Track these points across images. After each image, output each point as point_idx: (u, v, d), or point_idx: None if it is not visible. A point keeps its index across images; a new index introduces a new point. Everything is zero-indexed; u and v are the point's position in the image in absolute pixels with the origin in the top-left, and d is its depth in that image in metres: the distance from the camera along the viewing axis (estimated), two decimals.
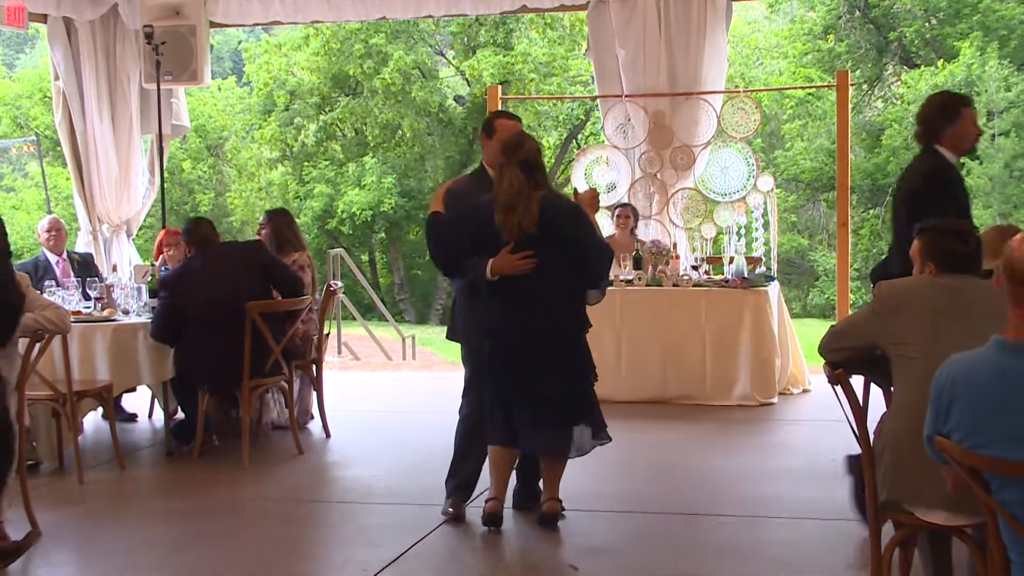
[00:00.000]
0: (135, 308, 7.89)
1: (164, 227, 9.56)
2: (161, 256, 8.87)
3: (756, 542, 5.62)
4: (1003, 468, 3.08)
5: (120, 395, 8.15)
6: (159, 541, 5.77)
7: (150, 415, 8.93)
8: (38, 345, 5.74)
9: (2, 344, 5.21)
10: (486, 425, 5.74)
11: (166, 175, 11.84)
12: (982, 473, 3.15)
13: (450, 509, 5.98)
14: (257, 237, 8.34)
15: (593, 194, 5.95)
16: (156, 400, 8.48)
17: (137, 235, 12.09)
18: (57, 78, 11.36)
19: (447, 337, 6.29)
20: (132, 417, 8.85)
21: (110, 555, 5.55)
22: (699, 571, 5.23)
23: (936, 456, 3.28)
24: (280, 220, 8.38)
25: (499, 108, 10.84)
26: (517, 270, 5.47)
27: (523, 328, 5.53)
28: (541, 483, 5.97)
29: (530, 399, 5.55)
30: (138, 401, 8.94)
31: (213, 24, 11.29)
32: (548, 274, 5.47)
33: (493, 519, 5.70)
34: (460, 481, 6.05)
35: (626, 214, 9.93)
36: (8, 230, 5.24)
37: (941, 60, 28.65)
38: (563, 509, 5.79)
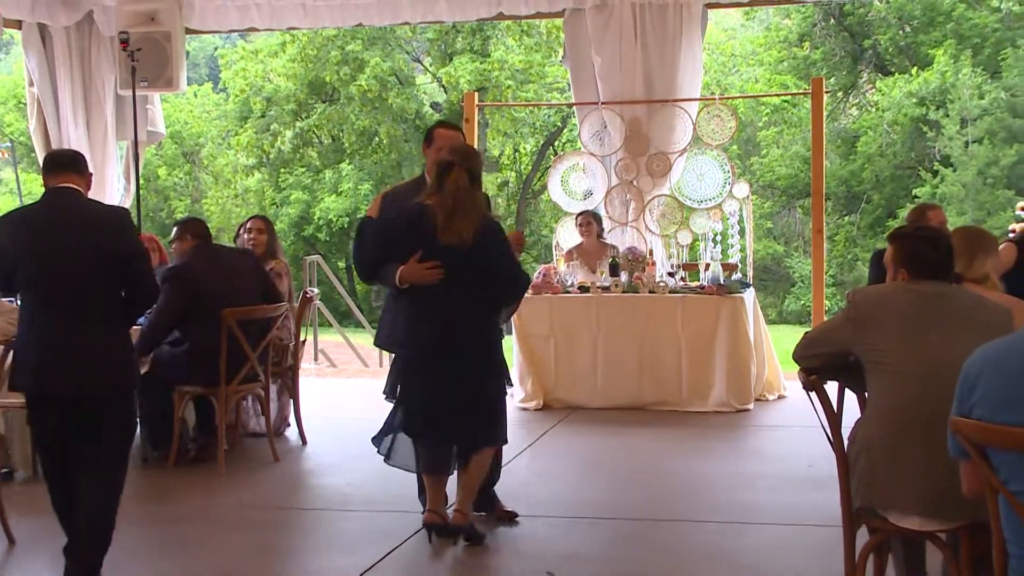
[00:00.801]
0: None
1: (139, 234, 9.50)
2: None
3: (732, 548, 5.63)
4: (1008, 437, 3.04)
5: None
6: (134, 548, 5.73)
7: None
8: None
9: None
10: (413, 453, 5.72)
11: (142, 182, 11.79)
12: (992, 463, 3.14)
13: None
14: (248, 245, 8.27)
15: (519, 236, 6.00)
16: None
17: None
18: (32, 84, 11.31)
19: (375, 343, 6.32)
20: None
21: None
22: None
23: (956, 450, 3.26)
24: (273, 228, 8.44)
25: (476, 115, 10.86)
26: (425, 280, 5.47)
27: (438, 337, 5.52)
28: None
29: (451, 410, 5.53)
30: None
31: (189, 30, 11.26)
32: (465, 286, 5.47)
33: (430, 529, 5.62)
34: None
35: (587, 220, 9.93)
36: None
37: (915, 68, 28.81)
38: (469, 525, 5.64)
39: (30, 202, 5.41)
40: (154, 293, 5.28)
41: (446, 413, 5.54)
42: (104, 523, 4.92)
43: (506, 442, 5.87)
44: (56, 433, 4.95)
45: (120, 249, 4.91)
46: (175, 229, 7.72)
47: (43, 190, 5.09)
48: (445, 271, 5.45)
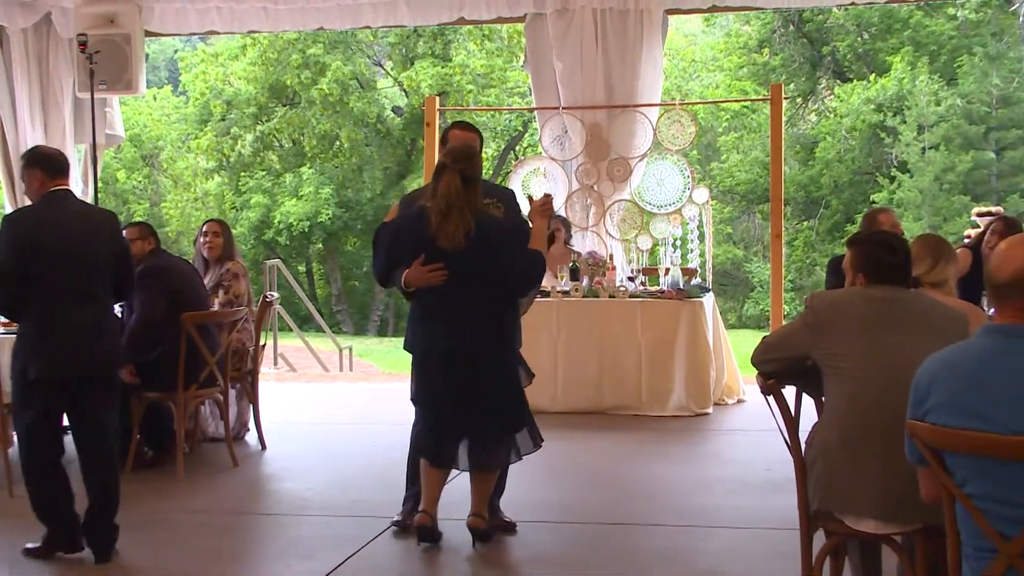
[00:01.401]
0: None
1: None
2: None
3: (690, 551, 5.66)
4: (963, 441, 3.07)
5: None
6: (88, 554, 5.69)
7: None
8: None
9: None
10: (419, 441, 5.75)
11: (100, 185, 11.71)
12: (947, 467, 3.17)
13: (397, 518, 5.97)
14: (204, 248, 8.24)
15: (546, 201, 5.77)
16: None
17: None
18: None
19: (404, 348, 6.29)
20: (65, 429, 8.71)
21: (41, 568, 5.47)
22: None
23: (914, 456, 3.29)
24: (230, 230, 8.42)
25: (436, 119, 10.86)
26: (428, 283, 5.47)
27: (447, 340, 5.51)
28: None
29: (464, 411, 5.54)
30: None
31: (148, 33, 11.19)
32: (469, 286, 5.45)
33: (422, 532, 5.62)
34: (417, 491, 5.99)
35: (556, 227, 9.95)
36: None
37: (873, 74, 29.07)
38: (486, 527, 5.65)
39: (48, 201, 5.63)
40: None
41: (458, 413, 5.54)
42: (116, 487, 5.61)
43: (519, 458, 5.78)
44: (57, 416, 5.61)
45: (119, 247, 5.69)
46: (133, 229, 7.63)
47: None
48: (448, 273, 5.44)
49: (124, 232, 7.54)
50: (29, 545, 5.54)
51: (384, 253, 5.68)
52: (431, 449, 5.64)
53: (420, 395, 5.70)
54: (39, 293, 5.39)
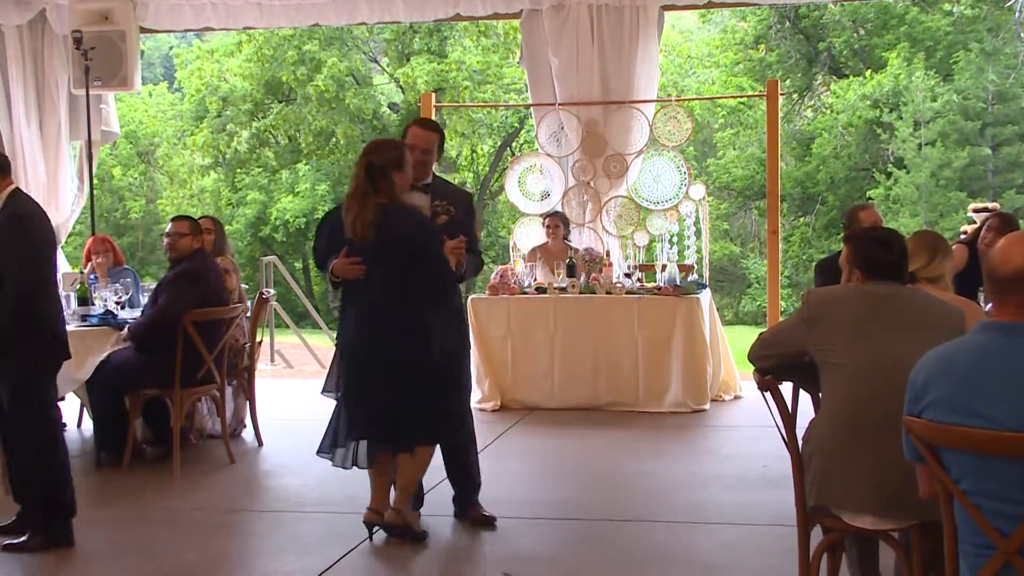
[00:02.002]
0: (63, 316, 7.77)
1: (93, 234, 9.43)
2: (90, 264, 8.76)
3: (688, 547, 5.66)
4: (960, 437, 3.07)
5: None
6: (87, 550, 5.69)
7: (79, 424, 8.82)
8: None
9: None
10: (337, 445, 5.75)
11: (96, 182, 11.69)
12: (944, 463, 3.17)
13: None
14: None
15: (457, 245, 5.67)
16: (85, 409, 8.37)
17: (66, 243, 11.93)
18: None
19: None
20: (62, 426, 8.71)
21: (37, 565, 5.47)
22: None
23: (912, 453, 3.28)
24: (222, 227, 8.43)
25: (432, 115, 10.85)
26: (348, 274, 5.52)
27: (361, 333, 5.56)
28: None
29: (381, 400, 5.54)
30: (67, 410, 8.80)
31: (143, 29, 11.17)
32: (383, 279, 5.48)
33: (368, 527, 5.67)
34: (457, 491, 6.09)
35: (555, 223, 9.98)
36: None
37: (869, 70, 29.05)
38: (402, 526, 5.66)
39: (30, 199, 5.87)
40: None
41: (375, 408, 5.55)
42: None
43: (449, 440, 5.82)
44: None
45: None
46: (184, 223, 7.62)
47: None
48: (365, 265, 5.48)
49: (171, 223, 7.63)
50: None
51: (321, 245, 5.76)
52: (365, 456, 5.66)
53: (343, 393, 5.70)
54: (53, 283, 5.76)
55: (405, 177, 5.56)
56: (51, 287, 5.71)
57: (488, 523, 5.97)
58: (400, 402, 5.52)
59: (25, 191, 10.27)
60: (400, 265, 5.46)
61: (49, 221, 5.81)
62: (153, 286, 7.86)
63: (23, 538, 5.62)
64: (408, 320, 5.51)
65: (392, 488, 5.74)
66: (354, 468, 5.70)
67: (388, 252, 5.44)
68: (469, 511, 6.04)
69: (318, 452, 5.80)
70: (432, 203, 5.82)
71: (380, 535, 5.74)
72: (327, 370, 5.94)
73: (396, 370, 5.50)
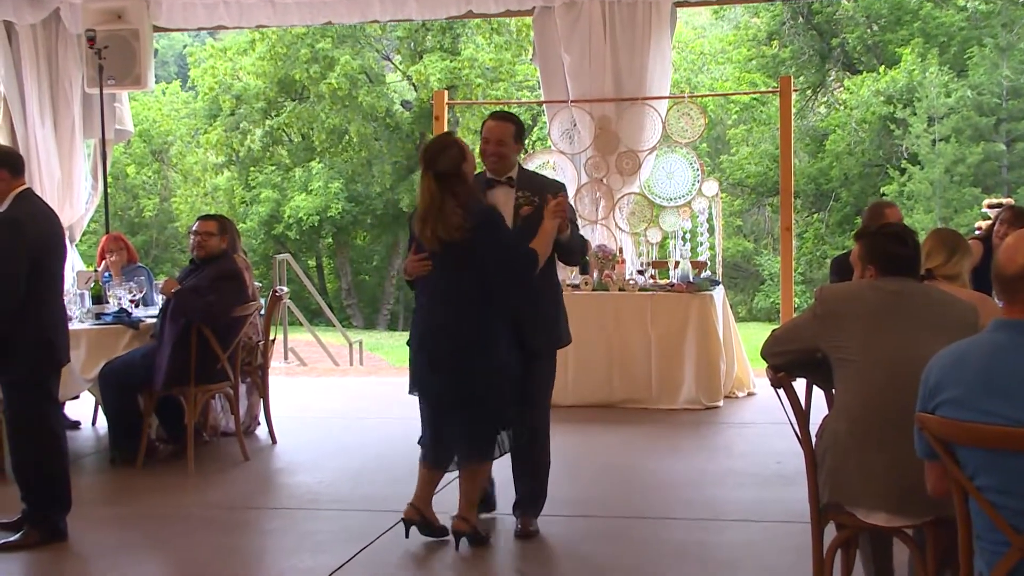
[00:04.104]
0: (78, 315, 7.81)
1: (107, 232, 9.46)
2: (104, 262, 8.78)
3: (701, 544, 5.65)
4: (974, 433, 3.06)
5: (63, 403, 8.06)
6: (102, 548, 5.72)
7: (93, 422, 8.84)
8: None
9: None
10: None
11: (110, 180, 11.72)
12: (958, 460, 3.16)
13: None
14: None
15: (559, 203, 5.56)
16: (100, 408, 8.39)
17: (80, 241, 11.95)
18: None
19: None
20: (75, 425, 8.75)
21: (52, 562, 5.49)
22: (645, 574, 5.26)
23: (924, 451, 3.27)
24: (233, 225, 8.45)
25: (445, 113, 10.85)
26: (417, 272, 5.48)
27: (427, 334, 5.52)
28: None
29: (446, 403, 5.51)
30: (82, 408, 8.85)
31: (156, 28, 11.18)
32: (454, 276, 5.42)
33: (407, 524, 5.61)
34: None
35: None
36: None
37: (883, 66, 29.00)
38: (471, 532, 5.58)
39: (36, 200, 5.87)
40: None
41: (442, 413, 5.53)
42: None
43: (502, 453, 5.67)
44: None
45: None
46: (211, 223, 7.67)
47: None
48: (432, 265, 5.43)
49: (199, 222, 7.67)
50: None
51: (409, 244, 5.74)
52: (424, 453, 5.65)
53: (412, 389, 5.69)
54: (52, 287, 5.67)
55: (471, 165, 5.52)
56: (50, 290, 5.68)
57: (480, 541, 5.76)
58: (458, 417, 5.49)
59: (39, 190, 10.40)
60: (466, 266, 5.38)
61: (56, 224, 5.80)
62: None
63: (18, 535, 5.64)
64: (475, 325, 5.43)
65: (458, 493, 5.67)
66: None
67: (460, 249, 5.34)
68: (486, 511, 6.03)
69: (419, 442, 5.71)
70: (516, 196, 5.72)
71: (398, 529, 5.74)
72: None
73: (460, 377, 5.44)
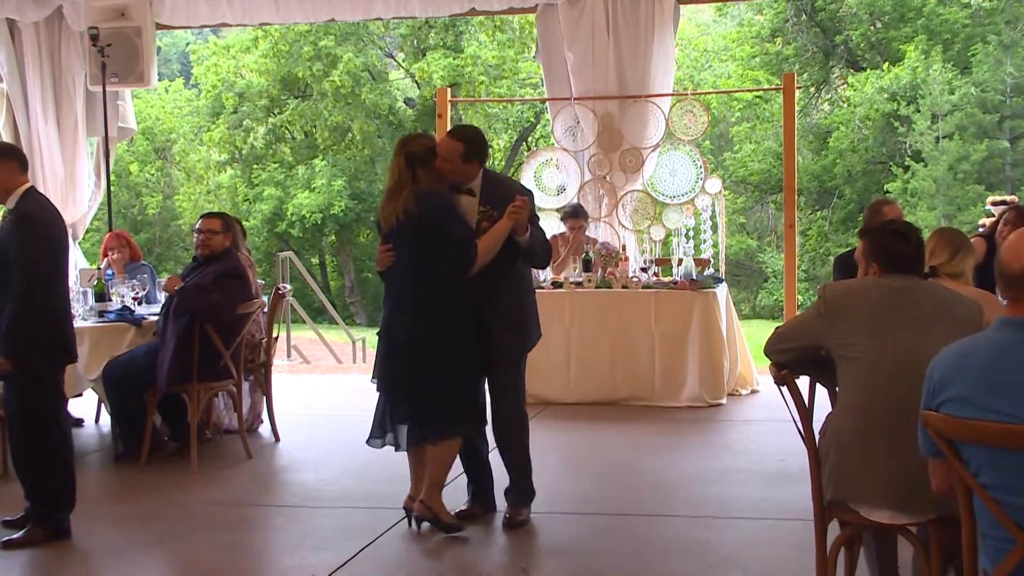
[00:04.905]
0: (81, 312, 7.82)
1: (110, 230, 9.46)
2: (106, 260, 8.78)
3: (705, 542, 5.65)
4: (978, 431, 3.06)
5: (67, 400, 8.05)
6: (105, 545, 5.72)
7: (97, 420, 8.86)
8: None
9: None
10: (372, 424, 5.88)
11: (113, 178, 11.73)
12: (962, 457, 3.16)
13: (462, 507, 6.03)
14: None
15: (519, 205, 5.62)
16: (103, 405, 8.40)
17: (83, 238, 11.96)
18: (1, 80, 11.22)
19: None
20: (79, 422, 8.76)
21: (55, 560, 5.49)
22: (648, 571, 5.25)
23: (928, 448, 3.27)
24: (239, 222, 8.45)
25: (448, 110, 10.85)
26: (381, 262, 5.69)
27: (387, 321, 5.69)
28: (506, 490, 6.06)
29: (405, 391, 5.65)
30: (85, 406, 8.85)
31: (159, 26, 11.19)
32: (411, 265, 5.59)
33: (406, 512, 5.79)
34: (474, 490, 6.13)
35: (579, 224, 9.85)
36: None
37: (886, 63, 28.93)
38: (431, 517, 5.67)
39: (43, 197, 5.90)
40: None
41: (402, 398, 5.68)
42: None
43: (468, 434, 5.85)
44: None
45: None
46: (216, 221, 7.68)
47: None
48: (394, 255, 5.62)
49: (203, 220, 7.67)
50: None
51: (378, 231, 5.88)
52: (377, 430, 5.84)
53: (374, 375, 5.85)
54: (57, 285, 5.69)
55: (437, 169, 5.63)
56: (57, 289, 5.70)
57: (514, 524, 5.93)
58: (421, 393, 5.60)
59: (42, 188, 10.39)
60: (417, 245, 5.56)
61: (60, 221, 5.82)
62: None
63: (22, 532, 5.65)
64: (426, 305, 5.60)
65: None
66: (398, 452, 5.88)
67: (408, 232, 5.55)
68: (486, 512, 6.08)
69: (367, 441, 5.89)
70: (479, 209, 5.71)
71: (401, 526, 5.75)
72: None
73: (416, 359, 5.59)
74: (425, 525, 5.77)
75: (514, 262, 5.80)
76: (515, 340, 5.95)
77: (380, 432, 5.84)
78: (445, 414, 5.65)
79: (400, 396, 5.68)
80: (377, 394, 5.87)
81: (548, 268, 9.14)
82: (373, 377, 5.88)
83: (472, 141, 5.76)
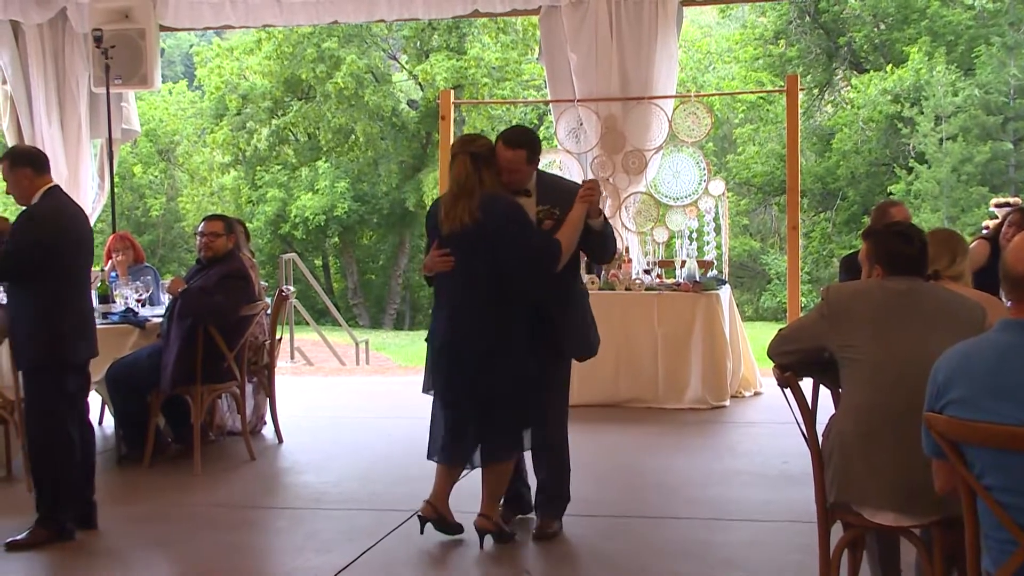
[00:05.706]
0: None
1: (114, 232, 9.46)
2: (110, 261, 8.79)
3: (708, 544, 5.65)
4: (982, 433, 3.06)
5: (81, 402, 8.06)
6: (109, 547, 5.72)
7: (100, 421, 8.85)
8: None
9: None
10: (430, 438, 5.64)
11: (116, 180, 11.74)
12: (966, 459, 3.16)
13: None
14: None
15: (589, 186, 5.51)
16: (107, 407, 8.40)
17: None
18: (4, 82, 11.24)
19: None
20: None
21: (59, 562, 5.49)
22: (650, 572, 5.24)
23: (931, 449, 3.27)
24: (244, 226, 8.47)
25: (451, 112, 10.86)
26: (437, 268, 5.43)
27: (447, 331, 5.46)
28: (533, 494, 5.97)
29: (465, 403, 5.46)
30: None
31: (163, 28, 11.20)
32: (475, 273, 5.37)
33: (422, 521, 5.58)
34: (508, 495, 5.89)
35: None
36: None
37: (890, 65, 28.92)
38: (496, 531, 5.58)
39: (61, 197, 5.87)
40: None
41: (464, 411, 5.47)
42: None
43: (522, 451, 5.68)
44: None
45: None
46: (218, 223, 7.67)
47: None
48: (454, 260, 5.38)
49: (205, 223, 7.67)
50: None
51: (428, 241, 5.68)
52: (440, 451, 5.57)
53: (427, 386, 5.64)
54: (79, 282, 5.78)
55: (498, 171, 5.46)
56: (72, 288, 5.70)
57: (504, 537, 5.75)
58: (490, 409, 5.41)
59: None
60: (489, 253, 5.32)
61: (81, 222, 5.83)
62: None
63: (25, 533, 5.65)
64: (495, 320, 5.39)
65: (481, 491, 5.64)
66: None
67: (473, 238, 5.30)
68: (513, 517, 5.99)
69: (428, 457, 5.64)
70: (537, 210, 5.57)
71: (404, 528, 5.74)
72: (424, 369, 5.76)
73: (482, 372, 5.38)
74: (407, 528, 5.70)
75: (578, 265, 5.71)
76: (582, 346, 5.78)
77: (440, 449, 5.57)
78: (516, 431, 5.50)
79: (468, 411, 5.46)
80: (433, 408, 5.62)
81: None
82: (427, 388, 5.64)
83: (532, 144, 5.58)
